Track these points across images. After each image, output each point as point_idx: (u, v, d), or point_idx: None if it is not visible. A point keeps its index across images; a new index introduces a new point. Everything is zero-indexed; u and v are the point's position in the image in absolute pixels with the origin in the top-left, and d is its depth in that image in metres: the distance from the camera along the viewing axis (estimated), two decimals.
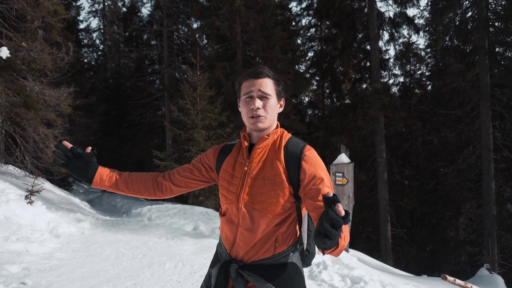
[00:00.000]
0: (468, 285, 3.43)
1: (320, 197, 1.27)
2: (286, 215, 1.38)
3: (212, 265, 1.51)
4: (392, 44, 16.82)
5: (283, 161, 1.39)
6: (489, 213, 11.54)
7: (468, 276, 7.97)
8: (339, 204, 0.92)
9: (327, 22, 18.53)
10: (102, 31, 28.50)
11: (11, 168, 10.12)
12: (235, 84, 1.55)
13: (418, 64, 17.94)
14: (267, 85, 1.41)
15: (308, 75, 18.93)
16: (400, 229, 14.55)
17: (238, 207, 1.38)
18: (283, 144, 1.44)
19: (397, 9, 16.06)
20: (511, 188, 13.40)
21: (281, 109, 1.50)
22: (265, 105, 1.39)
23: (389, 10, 18.59)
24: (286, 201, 1.35)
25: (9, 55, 8.42)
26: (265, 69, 1.43)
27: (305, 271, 4.79)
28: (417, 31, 16.25)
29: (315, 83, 19.62)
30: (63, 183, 17.59)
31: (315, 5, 18.36)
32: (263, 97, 1.40)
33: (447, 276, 3.25)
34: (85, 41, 27.04)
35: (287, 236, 1.39)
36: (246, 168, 1.41)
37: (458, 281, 3.36)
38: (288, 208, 1.38)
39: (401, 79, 18.22)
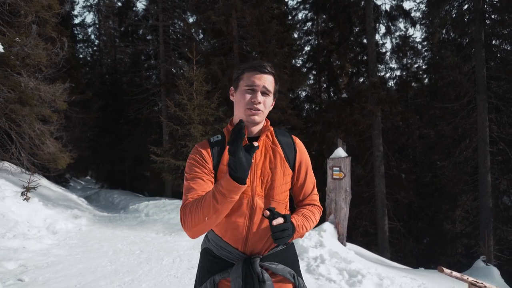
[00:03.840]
0: (464, 277, 3.44)
1: (302, 195, 1.54)
2: (288, 198, 1.50)
3: (212, 272, 1.42)
4: (388, 37, 16.81)
5: (281, 148, 1.49)
6: (485, 206, 11.61)
7: (465, 268, 8.02)
8: (275, 220, 1.22)
9: (324, 16, 18.46)
10: (97, 26, 28.17)
11: (6, 164, 10.07)
12: (234, 72, 1.52)
13: (414, 58, 17.92)
14: (271, 82, 1.45)
15: (305, 69, 18.89)
16: (397, 222, 14.62)
17: (251, 200, 1.39)
18: (273, 133, 1.53)
19: (393, 2, 16.03)
20: (507, 180, 13.45)
21: (271, 108, 1.52)
22: (265, 101, 1.43)
23: (385, 3, 18.54)
24: (290, 185, 1.50)
25: (2, 51, 8.33)
26: (269, 66, 1.46)
27: (303, 265, 4.81)
28: (413, 24, 16.22)
29: (312, 78, 19.59)
30: (60, 180, 17.56)
31: None
32: (265, 93, 1.43)
33: (443, 268, 3.26)
34: (80, 36, 26.75)
35: None
36: (252, 160, 1.41)
37: (454, 273, 3.38)
38: (288, 191, 1.50)
39: (398, 73, 18.24)
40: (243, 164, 1.14)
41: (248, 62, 1.46)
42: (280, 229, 1.21)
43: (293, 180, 1.51)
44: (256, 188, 1.40)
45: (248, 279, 1.32)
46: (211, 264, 1.44)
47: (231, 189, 1.17)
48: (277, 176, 1.43)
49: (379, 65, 16.67)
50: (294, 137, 1.56)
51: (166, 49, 17.71)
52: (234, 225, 1.39)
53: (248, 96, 1.41)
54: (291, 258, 1.49)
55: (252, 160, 1.40)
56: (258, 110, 1.41)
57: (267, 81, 1.42)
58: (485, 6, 12.35)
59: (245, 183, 1.19)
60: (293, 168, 1.50)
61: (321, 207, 1.56)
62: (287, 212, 1.47)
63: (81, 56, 26.25)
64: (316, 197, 1.56)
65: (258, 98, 1.39)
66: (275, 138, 1.51)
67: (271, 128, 1.52)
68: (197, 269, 1.56)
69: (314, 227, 6.33)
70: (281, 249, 1.46)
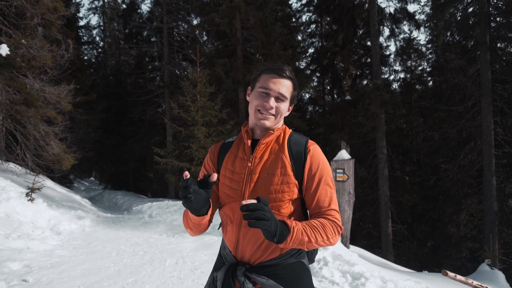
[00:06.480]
0: (469, 281, 3.42)
1: (315, 205, 1.35)
2: (291, 211, 1.34)
3: (216, 268, 1.46)
4: (392, 40, 16.77)
5: (288, 155, 1.36)
6: (490, 209, 11.53)
7: (469, 272, 7.98)
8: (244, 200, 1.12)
9: (328, 18, 18.45)
10: (102, 28, 28.42)
11: (11, 165, 10.13)
12: (253, 72, 1.48)
13: (419, 60, 17.89)
14: (287, 87, 1.38)
15: (309, 71, 18.88)
16: (401, 225, 14.55)
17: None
18: (286, 139, 1.41)
19: (397, 5, 16.00)
20: None
21: (287, 113, 1.45)
22: (278, 107, 1.37)
23: (389, 5, 18.52)
24: (292, 196, 1.33)
25: (8, 53, 8.40)
26: (289, 70, 1.39)
27: None
28: (418, 27, 16.18)
29: (316, 80, 19.58)
30: (64, 181, 17.64)
31: (315, 1, 18.28)
32: (279, 99, 1.37)
33: (448, 272, 3.25)
34: (85, 38, 26.99)
35: None
36: (249, 164, 1.37)
37: (459, 276, 3.36)
38: (293, 203, 1.34)
39: (402, 75, 18.22)
40: (193, 202, 1.15)
41: (269, 63, 1.41)
42: (250, 208, 1.08)
43: (303, 191, 1.36)
44: (248, 193, 1.33)
45: (228, 285, 1.30)
46: (217, 261, 1.49)
47: (192, 216, 1.32)
48: (273, 184, 1.32)
49: (383, 68, 16.63)
50: (310, 145, 1.39)
51: (170, 51, 17.80)
52: (229, 226, 1.40)
53: (261, 100, 1.36)
54: (290, 277, 1.33)
55: (249, 164, 1.37)
56: (270, 115, 1.36)
57: (284, 86, 1.36)
58: (490, 9, 12.30)
59: (203, 214, 1.29)
60: (301, 178, 1.35)
61: (339, 224, 1.31)
62: None
63: (85, 57, 26.50)
64: (333, 212, 1.33)
65: (270, 103, 1.34)
66: (286, 144, 1.39)
67: (288, 133, 1.44)
68: None
69: None
70: (275, 264, 1.32)
